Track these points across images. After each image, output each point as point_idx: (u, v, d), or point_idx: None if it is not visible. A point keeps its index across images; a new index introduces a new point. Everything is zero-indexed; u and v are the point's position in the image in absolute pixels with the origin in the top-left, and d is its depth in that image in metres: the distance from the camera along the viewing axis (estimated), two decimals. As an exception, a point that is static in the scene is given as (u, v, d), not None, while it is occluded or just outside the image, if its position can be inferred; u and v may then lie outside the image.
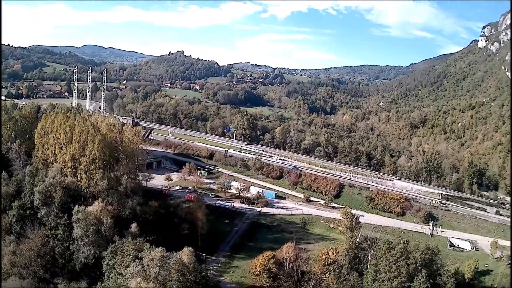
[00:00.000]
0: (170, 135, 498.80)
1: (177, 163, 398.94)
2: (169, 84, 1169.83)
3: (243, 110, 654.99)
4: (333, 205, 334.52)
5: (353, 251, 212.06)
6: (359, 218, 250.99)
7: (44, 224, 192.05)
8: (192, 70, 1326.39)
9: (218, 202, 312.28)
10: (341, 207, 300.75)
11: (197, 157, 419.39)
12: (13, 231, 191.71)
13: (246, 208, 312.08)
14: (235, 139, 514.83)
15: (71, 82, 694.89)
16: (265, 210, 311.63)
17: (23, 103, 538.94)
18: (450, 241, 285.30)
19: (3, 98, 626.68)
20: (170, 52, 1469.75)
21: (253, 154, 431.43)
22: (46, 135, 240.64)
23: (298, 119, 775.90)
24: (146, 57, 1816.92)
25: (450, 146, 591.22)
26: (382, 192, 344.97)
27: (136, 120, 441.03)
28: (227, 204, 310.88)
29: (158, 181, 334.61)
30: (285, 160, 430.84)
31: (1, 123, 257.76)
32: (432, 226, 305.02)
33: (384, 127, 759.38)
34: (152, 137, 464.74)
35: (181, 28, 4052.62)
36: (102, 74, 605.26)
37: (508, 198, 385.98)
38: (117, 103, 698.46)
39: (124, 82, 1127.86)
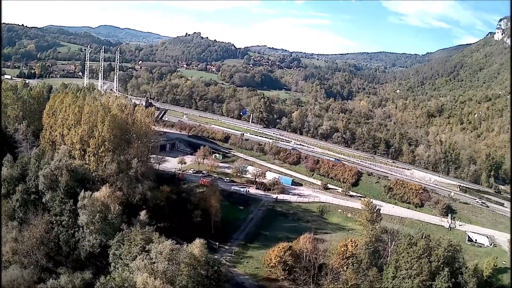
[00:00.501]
0: (185, 116, 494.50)
1: (192, 146, 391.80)
2: (185, 65, 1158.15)
3: (260, 93, 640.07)
4: (351, 193, 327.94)
5: (373, 245, 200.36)
6: (380, 210, 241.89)
7: (48, 209, 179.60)
8: (209, 52, 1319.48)
9: (233, 187, 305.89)
10: (359, 196, 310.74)
11: (212, 140, 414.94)
12: (16, 217, 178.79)
13: (261, 194, 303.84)
14: (252, 122, 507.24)
15: (86, 62, 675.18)
16: (281, 197, 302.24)
17: (35, 82, 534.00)
18: (468, 235, 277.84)
19: (8, 77, 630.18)
20: (186, 33, 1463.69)
21: (270, 138, 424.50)
22: (55, 116, 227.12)
23: (315, 103, 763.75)
24: (162, 38, 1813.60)
25: (466, 137, 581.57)
26: (400, 182, 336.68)
27: (150, 101, 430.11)
28: (242, 189, 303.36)
29: (171, 164, 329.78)
30: (302, 145, 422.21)
31: (1, 101, 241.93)
32: (451, 219, 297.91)
33: (401, 115, 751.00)
34: (167, 119, 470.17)
35: (198, 11, 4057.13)
36: (116, 53, 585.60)
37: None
38: (131, 84, 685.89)
39: (139, 62, 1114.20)
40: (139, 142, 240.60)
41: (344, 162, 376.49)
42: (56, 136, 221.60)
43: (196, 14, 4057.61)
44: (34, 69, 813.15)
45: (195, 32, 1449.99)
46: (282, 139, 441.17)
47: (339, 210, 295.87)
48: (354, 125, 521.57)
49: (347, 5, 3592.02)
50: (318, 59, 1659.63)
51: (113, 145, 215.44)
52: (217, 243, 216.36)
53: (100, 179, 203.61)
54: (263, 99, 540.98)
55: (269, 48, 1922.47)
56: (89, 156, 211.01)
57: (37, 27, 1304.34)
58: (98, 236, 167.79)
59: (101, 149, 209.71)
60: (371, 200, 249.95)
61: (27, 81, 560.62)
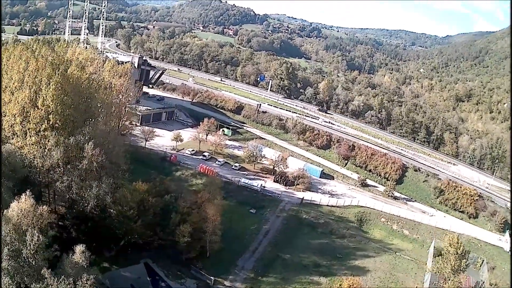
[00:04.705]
0: (190, 79, 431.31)
1: (194, 116, 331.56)
2: (201, 28, 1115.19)
3: (280, 58, 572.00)
4: (395, 194, 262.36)
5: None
6: (469, 253, 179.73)
7: None
8: (227, 16, 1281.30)
9: (243, 179, 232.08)
10: (405, 198, 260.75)
11: (221, 110, 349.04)
12: None
13: (282, 191, 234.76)
14: (270, 90, 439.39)
15: (94, 20, 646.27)
16: (308, 196, 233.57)
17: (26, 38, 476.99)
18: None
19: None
20: None
21: (293, 112, 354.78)
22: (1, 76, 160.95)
23: (338, 75, 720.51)
24: (181, 2, 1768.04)
25: (498, 127, 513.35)
26: (453, 184, 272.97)
27: (145, 58, 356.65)
28: (255, 183, 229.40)
29: (164, 140, 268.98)
30: (331, 124, 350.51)
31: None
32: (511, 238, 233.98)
33: (428, 96, 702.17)
34: (167, 81, 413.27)
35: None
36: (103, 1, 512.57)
37: None
38: (135, 40, 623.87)
39: (153, 23, 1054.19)
40: (107, 114, 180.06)
41: (385, 151, 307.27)
42: None
43: None
44: (38, 26, 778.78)
45: None
46: (308, 114, 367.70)
47: (382, 219, 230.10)
48: (388, 103, 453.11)
49: None
50: (338, 31, 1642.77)
51: (63, 120, 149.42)
52: (212, 278, 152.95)
53: (43, 174, 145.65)
54: (285, 64, 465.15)
55: (289, 17, 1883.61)
56: (30, 136, 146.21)
57: None
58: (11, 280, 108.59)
59: (44, 126, 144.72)
60: (457, 235, 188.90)
61: (18, 37, 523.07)
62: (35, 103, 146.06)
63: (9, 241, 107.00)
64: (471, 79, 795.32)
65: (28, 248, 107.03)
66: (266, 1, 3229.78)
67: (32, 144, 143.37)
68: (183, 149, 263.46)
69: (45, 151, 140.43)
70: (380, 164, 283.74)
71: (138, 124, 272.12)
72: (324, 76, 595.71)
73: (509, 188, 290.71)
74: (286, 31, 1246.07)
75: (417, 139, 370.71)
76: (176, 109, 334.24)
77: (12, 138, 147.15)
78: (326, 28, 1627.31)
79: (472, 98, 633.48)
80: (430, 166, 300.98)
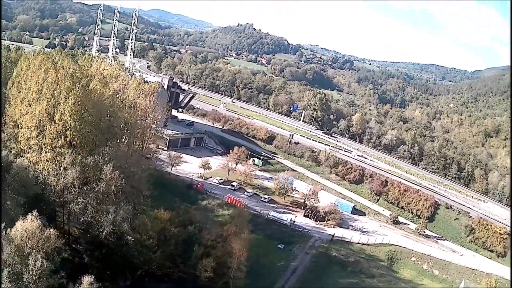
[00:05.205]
0: (222, 105, 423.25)
1: (224, 144, 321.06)
2: (234, 55, 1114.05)
3: (314, 88, 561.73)
4: (426, 232, 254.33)
5: None
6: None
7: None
8: (260, 44, 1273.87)
9: (272, 212, 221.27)
10: (436, 237, 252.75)
11: (252, 139, 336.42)
12: None
13: (312, 226, 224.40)
14: (303, 121, 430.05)
15: (125, 40, 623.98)
16: (339, 232, 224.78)
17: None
18: None
19: (33, 47, 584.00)
20: (239, 23, 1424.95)
21: (326, 144, 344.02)
22: (20, 86, 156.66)
23: (370, 108, 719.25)
24: (214, 27, 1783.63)
25: None
26: (484, 222, 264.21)
27: (175, 80, 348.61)
28: (284, 217, 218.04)
29: (192, 166, 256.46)
30: (364, 158, 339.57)
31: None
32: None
33: (458, 131, 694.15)
34: (198, 106, 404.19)
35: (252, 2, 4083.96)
36: (133, 15, 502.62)
37: None
38: (166, 63, 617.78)
39: (186, 46, 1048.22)
40: (130, 136, 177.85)
41: (417, 187, 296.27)
42: (16, 114, 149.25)
43: (250, 4, 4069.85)
44: (68, 41, 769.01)
45: (247, 23, 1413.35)
46: (341, 147, 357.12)
47: (413, 258, 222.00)
48: (420, 138, 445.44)
49: (401, 13, 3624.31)
50: (370, 64, 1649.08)
51: (81, 138, 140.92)
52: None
53: (57, 193, 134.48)
54: (319, 94, 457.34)
55: (322, 48, 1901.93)
56: (45, 151, 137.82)
57: (84, 3, 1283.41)
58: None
59: (60, 142, 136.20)
60: (494, 279, 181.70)
61: (45, 50, 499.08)
62: (52, 117, 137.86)
63: (10, 263, 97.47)
64: (500, 114, 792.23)
65: (31, 273, 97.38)
66: (300, 31, 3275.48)
67: (47, 161, 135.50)
68: (211, 177, 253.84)
69: (60, 169, 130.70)
70: (412, 201, 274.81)
71: (165, 149, 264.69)
72: (357, 109, 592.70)
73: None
74: (319, 62, 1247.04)
75: (448, 175, 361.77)
76: (205, 136, 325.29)
77: (28, 152, 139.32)
78: (358, 60, 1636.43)
79: (500, 133, 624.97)
80: (461, 204, 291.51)
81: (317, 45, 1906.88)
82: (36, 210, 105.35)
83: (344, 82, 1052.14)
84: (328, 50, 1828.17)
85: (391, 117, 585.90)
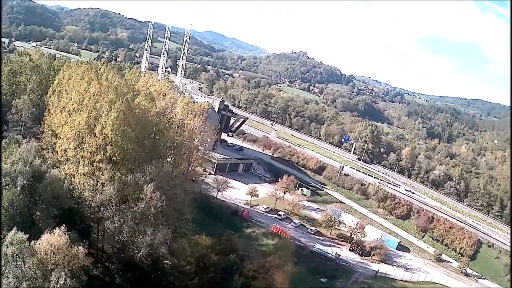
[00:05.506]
0: (273, 132, 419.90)
1: (273, 171, 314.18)
2: (287, 82, 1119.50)
3: (365, 120, 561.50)
4: (468, 270, 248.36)
5: None
6: None
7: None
8: (314, 73, 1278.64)
9: (317, 245, 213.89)
10: (476, 275, 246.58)
11: (302, 168, 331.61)
12: None
13: (357, 261, 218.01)
14: (353, 152, 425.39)
15: (178, 60, 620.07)
16: (383, 268, 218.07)
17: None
18: None
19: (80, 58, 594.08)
20: (292, 51, 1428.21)
21: (375, 177, 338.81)
22: (61, 94, 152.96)
23: (419, 143, 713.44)
24: (268, 53, 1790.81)
25: None
26: None
27: (226, 103, 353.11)
28: (329, 251, 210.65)
29: (238, 192, 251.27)
30: (412, 193, 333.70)
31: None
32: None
33: (501, 168, 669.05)
34: (249, 131, 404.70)
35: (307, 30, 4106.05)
36: (185, 34, 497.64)
37: None
38: (218, 86, 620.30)
39: (239, 71, 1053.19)
40: (176, 156, 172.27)
41: (462, 224, 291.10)
42: (55, 124, 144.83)
43: (305, 32, 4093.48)
44: (118, 56, 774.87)
45: (301, 51, 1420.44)
46: (389, 180, 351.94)
47: None
48: (466, 174, 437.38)
49: (450, 47, 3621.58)
50: (420, 98, 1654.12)
51: (122, 154, 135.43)
52: None
53: (93, 209, 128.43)
54: (370, 126, 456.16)
55: (373, 80, 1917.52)
56: (83, 165, 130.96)
57: (136, 19, 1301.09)
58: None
59: (99, 156, 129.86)
60: None
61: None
62: (92, 129, 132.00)
63: (31, 276, 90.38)
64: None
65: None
66: (353, 61, 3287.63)
67: (84, 174, 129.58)
68: (257, 205, 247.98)
69: (97, 184, 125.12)
70: (456, 238, 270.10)
71: (212, 172, 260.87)
72: (406, 143, 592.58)
73: None
74: (371, 94, 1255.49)
75: (491, 213, 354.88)
76: (255, 162, 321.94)
77: (65, 164, 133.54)
78: (408, 94, 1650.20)
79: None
80: (503, 242, 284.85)
81: (369, 76, 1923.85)
82: (68, 224, 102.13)
83: (395, 116, 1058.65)
84: (380, 82, 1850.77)
85: (439, 152, 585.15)
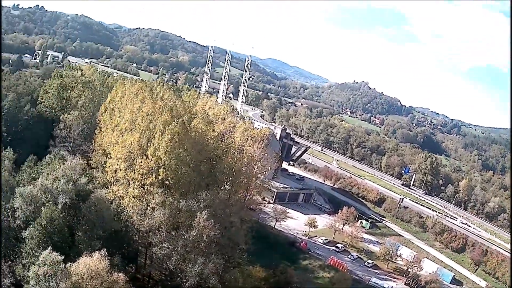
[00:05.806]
0: (334, 162, 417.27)
1: (333, 202, 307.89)
2: (349, 112, 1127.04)
3: (425, 152, 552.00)
4: None
5: None
6: None
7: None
8: (375, 104, 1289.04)
9: (373, 279, 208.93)
10: None
11: (362, 200, 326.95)
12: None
13: None
14: (413, 184, 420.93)
15: (239, 87, 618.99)
16: None
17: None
18: None
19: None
20: (354, 80, 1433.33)
21: (433, 210, 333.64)
22: (113, 112, 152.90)
23: (475, 175, 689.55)
24: (330, 83, 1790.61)
25: None
26: None
27: (288, 131, 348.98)
28: (385, 285, 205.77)
29: (297, 223, 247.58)
30: (468, 225, 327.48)
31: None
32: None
33: None
34: (310, 160, 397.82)
35: (368, 60, 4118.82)
36: (246, 60, 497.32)
37: None
38: (280, 113, 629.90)
39: (301, 100, 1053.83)
40: (233, 184, 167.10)
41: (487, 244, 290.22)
42: (106, 142, 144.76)
43: (367, 63, 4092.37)
44: (179, 79, 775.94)
45: (363, 81, 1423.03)
46: (447, 213, 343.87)
47: None
48: None
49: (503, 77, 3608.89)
50: (475, 129, 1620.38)
51: (176, 179, 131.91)
52: None
53: (141, 233, 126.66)
54: (430, 158, 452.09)
55: (432, 111, 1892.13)
56: (133, 187, 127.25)
57: (197, 43, 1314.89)
58: None
59: (151, 179, 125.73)
60: None
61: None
62: (145, 150, 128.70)
63: None
64: None
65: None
66: (412, 92, 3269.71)
67: (133, 197, 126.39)
68: (316, 236, 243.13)
69: (147, 208, 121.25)
70: (507, 271, 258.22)
71: (271, 202, 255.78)
72: (463, 175, 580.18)
73: None
74: (429, 126, 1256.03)
75: None
76: (315, 192, 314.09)
77: (114, 185, 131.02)
78: (465, 125, 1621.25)
79: None
80: None
81: (428, 108, 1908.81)
82: (114, 248, 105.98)
83: (452, 147, 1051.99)
84: (438, 113, 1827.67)
85: (493, 184, 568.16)
